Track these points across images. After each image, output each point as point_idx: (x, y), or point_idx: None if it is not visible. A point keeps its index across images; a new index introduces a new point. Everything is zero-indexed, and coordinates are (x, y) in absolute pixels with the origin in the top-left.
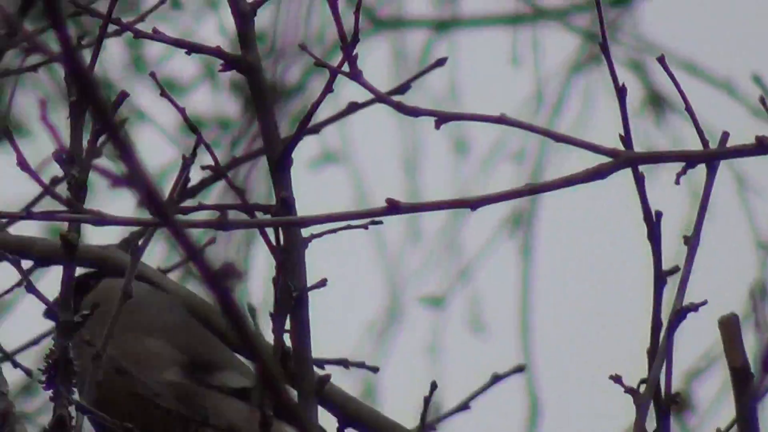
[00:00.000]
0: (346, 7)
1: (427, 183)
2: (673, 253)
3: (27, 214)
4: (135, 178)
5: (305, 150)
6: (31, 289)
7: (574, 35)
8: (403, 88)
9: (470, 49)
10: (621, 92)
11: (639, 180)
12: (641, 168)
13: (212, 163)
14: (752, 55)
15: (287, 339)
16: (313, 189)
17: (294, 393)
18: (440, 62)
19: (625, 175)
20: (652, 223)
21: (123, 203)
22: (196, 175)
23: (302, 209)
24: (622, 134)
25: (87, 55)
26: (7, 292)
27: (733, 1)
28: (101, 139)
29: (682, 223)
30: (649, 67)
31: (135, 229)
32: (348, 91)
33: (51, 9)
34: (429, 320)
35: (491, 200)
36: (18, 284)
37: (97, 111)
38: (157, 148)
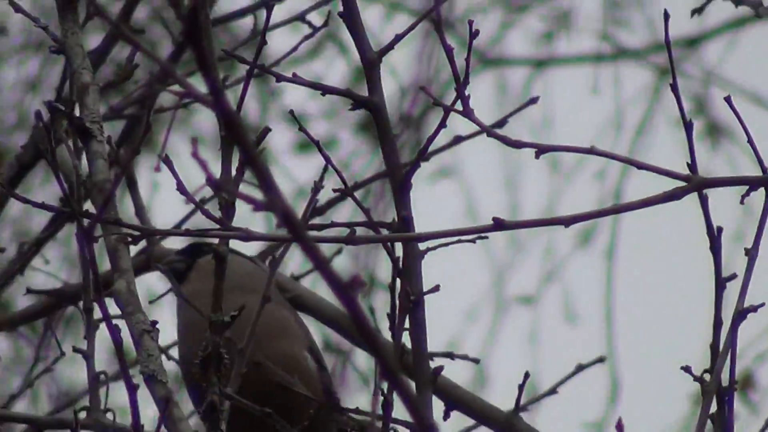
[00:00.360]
0: (460, 47)
1: (523, 192)
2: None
3: (185, 231)
4: (274, 203)
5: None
6: (180, 294)
7: (650, 71)
8: (502, 122)
9: (563, 82)
10: (688, 127)
11: (704, 200)
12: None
13: (341, 185)
14: None
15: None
16: (426, 203)
17: (410, 382)
18: (534, 100)
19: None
20: (714, 237)
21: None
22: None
23: (417, 222)
24: (689, 162)
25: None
26: (161, 296)
27: None
28: (245, 169)
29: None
30: (709, 99)
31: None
32: (452, 117)
33: (201, 59)
34: (529, 315)
35: (581, 218)
36: (169, 290)
37: (242, 146)
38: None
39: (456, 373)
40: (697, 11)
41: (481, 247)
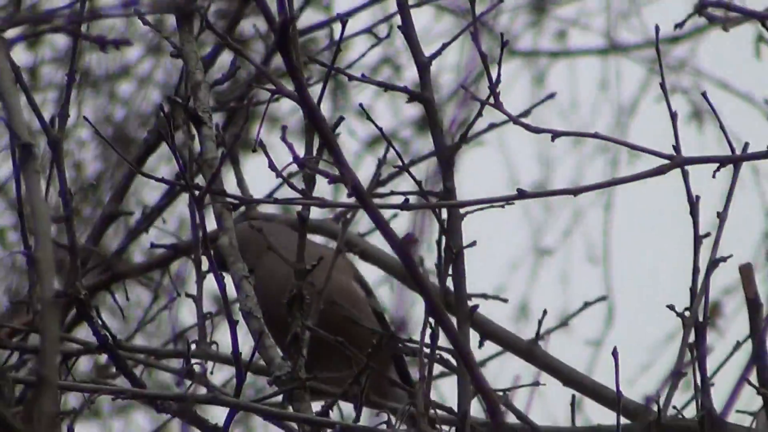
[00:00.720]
0: (493, 41)
1: (554, 164)
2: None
3: (274, 200)
4: (345, 177)
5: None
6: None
7: (643, 65)
8: (527, 112)
9: (578, 71)
10: (673, 117)
11: (685, 174)
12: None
13: (399, 163)
14: None
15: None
16: (475, 174)
17: (452, 318)
18: (551, 95)
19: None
20: (693, 204)
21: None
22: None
23: (465, 190)
24: (674, 144)
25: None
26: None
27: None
28: (323, 150)
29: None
30: (694, 88)
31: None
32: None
33: (290, 63)
34: (556, 263)
35: (587, 189)
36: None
37: (321, 131)
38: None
39: (500, 313)
40: (679, 25)
41: (520, 210)
